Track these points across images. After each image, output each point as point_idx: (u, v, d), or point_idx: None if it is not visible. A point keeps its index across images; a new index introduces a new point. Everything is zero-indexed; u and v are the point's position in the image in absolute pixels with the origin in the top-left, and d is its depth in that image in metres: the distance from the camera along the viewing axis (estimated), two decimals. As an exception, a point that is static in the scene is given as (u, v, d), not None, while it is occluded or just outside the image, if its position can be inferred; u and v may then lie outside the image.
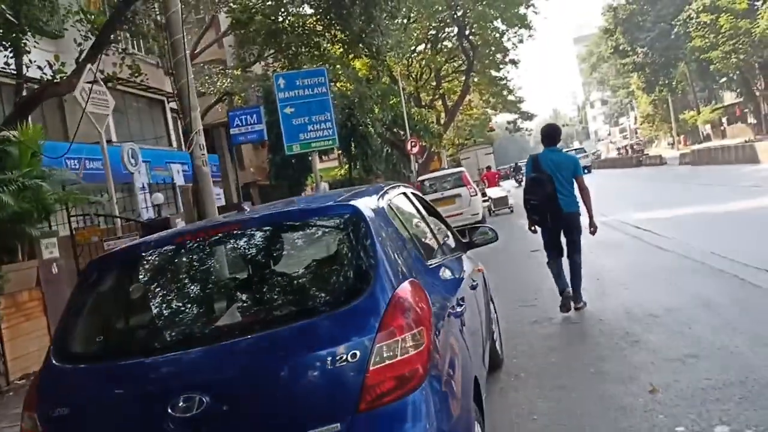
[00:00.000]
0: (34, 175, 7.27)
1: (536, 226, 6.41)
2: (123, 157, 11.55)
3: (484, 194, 27.17)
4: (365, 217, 2.57)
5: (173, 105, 23.89)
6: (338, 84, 27.51)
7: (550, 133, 6.39)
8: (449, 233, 4.50)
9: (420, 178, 16.92)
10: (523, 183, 7.16)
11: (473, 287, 3.93)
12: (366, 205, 2.71)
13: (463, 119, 55.17)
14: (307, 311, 2.42)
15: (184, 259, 2.85)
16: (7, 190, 6.69)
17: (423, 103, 39.16)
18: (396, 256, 2.58)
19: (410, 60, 38.29)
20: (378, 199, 2.93)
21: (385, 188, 3.33)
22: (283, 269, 2.84)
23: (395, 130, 32.13)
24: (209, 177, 6.96)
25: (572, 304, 6.18)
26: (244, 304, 2.70)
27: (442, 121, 39.50)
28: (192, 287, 2.83)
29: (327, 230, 2.76)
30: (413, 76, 38.25)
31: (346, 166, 29.51)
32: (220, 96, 26.48)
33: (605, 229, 12.72)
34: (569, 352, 5.16)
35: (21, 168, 7.26)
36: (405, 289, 2.43)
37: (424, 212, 3.92)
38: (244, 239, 2.82)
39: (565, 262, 6.38)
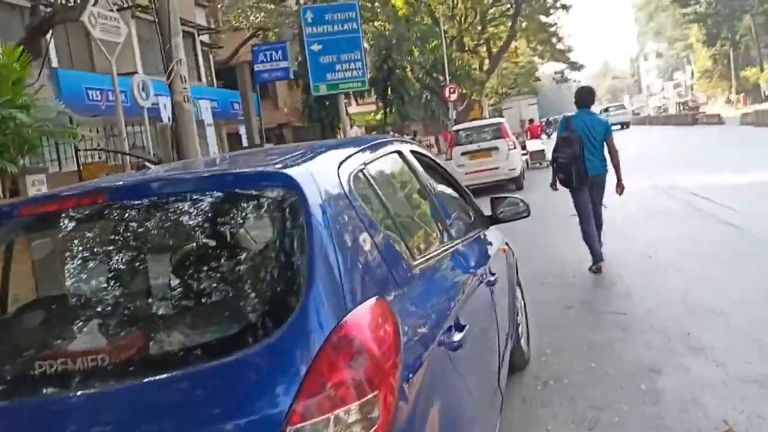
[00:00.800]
0: (14, 105, 6.46)
1: (559, 185, 6.56)
2: (133, 90, 10.68)
3: (524, 147, 25.70)
4: (304, 193, 1.60)
5: (204, 38, 22.90)
6: (375, 23, 26.12)
7: (584, 96, 6.53)
8: (467, 205, 3.48)
9: (455, 128, 15.70)
10: (553, 138, 7.08)
11: (490, 283, 2.87)
12: (312, 173, 1.72)
13: (507, 67, 52.91)
14: (186, 355, 1.43)
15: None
16: (-20, 120, 5.92)
17: (466, 48, 37.26)
18: (355, 257, 1.63)
19: (455, 1, 36.27)
20: (343, 162, 1.92)
21: (367, 145, 2.32)
22: (159, 279, 1.77)
23: (435, 75, 30.60)
24: (191, 115, 6.05)
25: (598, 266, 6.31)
26: (84, 336, 1.63)
27: (485, 68, 37.60)
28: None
29: (242, 213, 1.73)
30: (457, 18, 36.23)
31: (382, 111, 28.29)
32: (254, 31, 25.38)
33: (654, 193, 11.49)
34: (613, 354, 4.14)
35: (1, 95, 6.45)
36: (359, 316, 1.48)
37: (426, 181, 2.78)
38: (107, 220, 1.79)
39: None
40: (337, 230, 1.59)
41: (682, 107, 64.48)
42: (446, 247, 2.53)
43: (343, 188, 1.79)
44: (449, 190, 3.35)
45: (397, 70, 25.52)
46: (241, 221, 1.73)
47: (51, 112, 7.11)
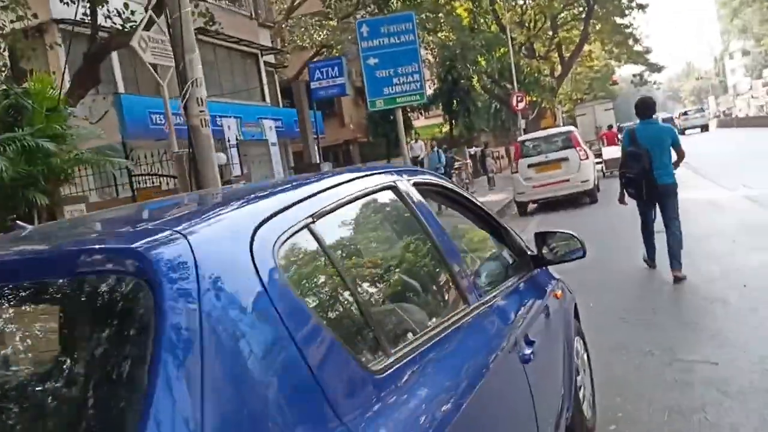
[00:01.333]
0: (45, 134, 6.24)
1: (629, 198, 6.59)
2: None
3: (600, 155, 24.25)
4: (158, 285, 0.99)
5: (269, 58, 22.98)
6: (439, 34, 25.48)
7: (645, 107, 6.45)
8: (504, 245, 2.75)
9: (520, 139, 14.80)
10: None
11: (525, 359, 2.08)
12: (194, 245, 1.10)
13: (582, 72, 51.00)
14: None
15: None
16: (9, 150, 5.70)
17: (536, 55, 36.00)
18: (245, 393, 0.99)
19: (523, 7, 35.16)
20: (268, 221, 1.28)
21: (342, 181, 1.67)
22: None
23: (503, 84, 29.60)
24: (210, 140, 5.59)
25: (672, 273, 6.15)
26: None
27: (556, 74, 36.19)
28: None
29: (83, 308, 1.10)
30: (526, 24, 35.08)
31: (448, 124, 27.56)
32: (318, 49, 25.33)
33: (747, 205, 10.26)
34: (708, 428, 3.25)
35: (33, 124, 6.25)
36: None
37: (432, 224, 1.98)
38: None
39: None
40: (216, 346, 0.95)
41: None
42: (458, 315, 1.82)
43: (254, 267, 1.14)
44: (476, 232, 2.61)
45: (462, 81, 24.74)
46: (87, 317, 1.11)
47: (86, 141, 6.87)
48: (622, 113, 48.26)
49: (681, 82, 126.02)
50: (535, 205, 14.56)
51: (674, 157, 6.32)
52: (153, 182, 11.35)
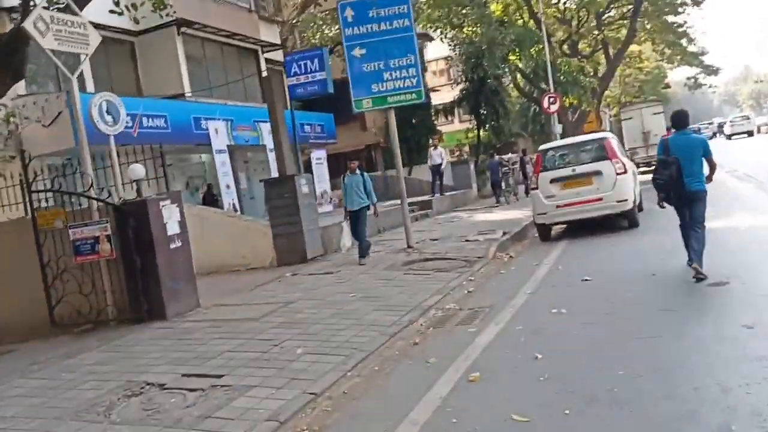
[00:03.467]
0: None
1: (665, 203, 6.93)
2: (91, 112, 8.26)
3: (651, 164, 21.33)
4: None
5: (270, 55, 20.80)
6: (464, 29, 22.92)
7: (679, 119, 6.83)
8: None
9: (541, 147, 12.07)
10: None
11: None
12: None
13: (631, 74, 47.45)
14: None
15: None
16: None
17: (579, 54, 32.92)
18: None
19: (565, 3, 32.14)
20: None
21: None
22: None
23: (539, 84, 26.72)
24: None
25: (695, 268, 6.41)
26: None
27: (599, 75, 33.00)
28: None
29: None
30: (567, 20, 32.05)
31: (475, 129, 24.84)
32: (333, 45, 23.06)
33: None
34: None
35: None
36: None
37: None
38: None
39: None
40: None
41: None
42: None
43: None
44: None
45: (489, 80, 22.06)
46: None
47: None
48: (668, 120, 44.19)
49: (738, 86, 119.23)
50: (563, 226, 11.85)
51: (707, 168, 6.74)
52: (56, 201, 9.04)
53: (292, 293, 8.38)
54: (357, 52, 11.01)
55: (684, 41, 39.55)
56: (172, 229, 7.92)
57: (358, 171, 10.50)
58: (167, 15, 11.80)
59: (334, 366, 5.30)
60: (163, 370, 5.66)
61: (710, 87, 65.84)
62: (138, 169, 8.06)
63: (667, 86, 57.55)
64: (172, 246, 7.89)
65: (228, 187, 16.81)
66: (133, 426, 4.51)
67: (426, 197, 18.93)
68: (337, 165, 27.19)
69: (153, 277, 7.67)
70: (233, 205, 16.69)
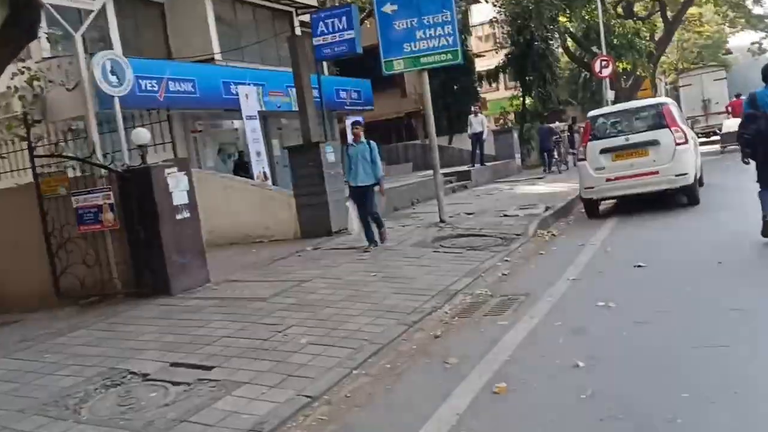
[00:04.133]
0: None
1: (749, 159, 6.75)
2: (93, 73, 7.66)
3: (711, 134, 20.05)
4: None
5: (304, 18, 19.91)
6: (511, -13, 21.51)
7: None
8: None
9: (590, 114, 10.91)
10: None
11: None
12: None
13: (690, 39, 44.72)
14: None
15: None
16: None
17: (635, 16, 30.87)
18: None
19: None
20: None
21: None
22: None
23: (591, 48, 25.11)
24: None
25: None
26: None
27: (656, 39, 30.93)
28: None
29: None
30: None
31: (520, 96, 23.52)
32: (371, 9, 21.97)
33: None
34: None
35: None
36: None
37: None
38: None
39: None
40: None
41: None
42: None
43: None
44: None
45: (536, 43, 20.69)
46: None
47: None
48: (735, 86, 41.88)
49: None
50: (612, 202, 10.82)
51: None
52: (58, 166, 8.50)
53: (309, 270, 7.69)
54: (388, 8, 10.08)
55: (749, 2, 36.94)
56: (179, 198, 7.28)
57: (363, 139, 8.83)
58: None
59: (339, 361, 4.58)
60: (152, 357, 5.07)
61: (776, 53, 62.18)
62: (142, 134, 7.43)
63: (728, 52, 54.30)
64: (179, 217, 7.27)
65: (258, 154, 16.16)
66: (98, 427, 3.91)
67: (465, 167, 17.94)
68: (376, 132, 26.45)
69: (157, 251, 7.08)
70: (264, 173, 16.07)
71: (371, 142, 8.79)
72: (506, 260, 7.59)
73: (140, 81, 13.41)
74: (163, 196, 7.10)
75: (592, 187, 10.05)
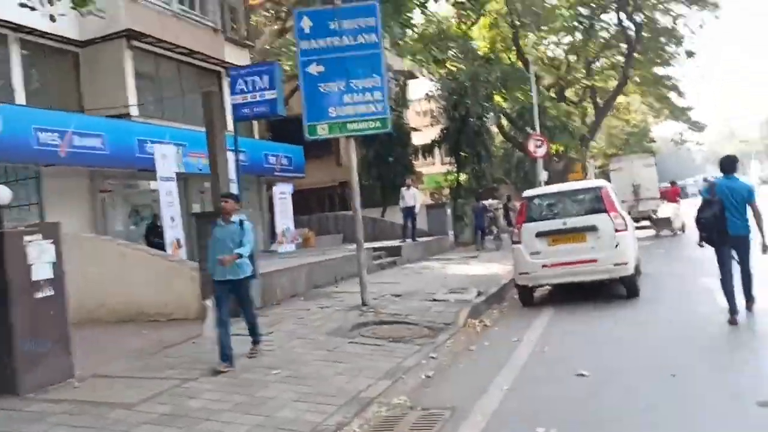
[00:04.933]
0: None
1: (705, 243, 7.16)
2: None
3: (647, 219, 20.25)
4: None
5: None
6: (448, 64, 21.53)
7: (729, 163, 7.19)
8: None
9: (526, 194, 10.29)
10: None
11: None
12: None
13: (617, 126, 46.71)
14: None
15: None
16: None
17: (567, 101, 31.76)
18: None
19: (554, 47, 31.23)
20: None
21: None
22: None
23: (524, 128, 25.33)
24: None
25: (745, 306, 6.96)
26: None
27: (587, 123, 31.82)
28: None
29: None
30: (555, 64, 31.05)
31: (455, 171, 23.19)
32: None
33: None
34: None
35: None
36: None
37: None
38: None
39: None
40: None
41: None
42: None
43: None
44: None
45: (472, 119, 20.54)
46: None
47: None
48: (659, 174, 43.49)
49: (722, 144, 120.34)
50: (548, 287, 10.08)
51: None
52: None
53: (199, 363, 6.42)
54: (313, 68, 9.30)
55: (672, 95, 38.87)
56: (41, 272, 5.97)
57: (236, 217, 6.48)
58: (105, 17, 10.07)
59: None
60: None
61: (697, 144, 65.83)
62: (3, 192, 6.15)
63: (653, 140, 57.08)
64: (39, 295, 5.94)
65: (173, 219, 14.81)
66: None
67: (396, 242, 17.08)
68: (307, 201, 25.45)
69: (4, 337, 5.70)
70: (177, 240, 14.69)
71: (244, 221, 6.50)
72: (432, 357, 6.57)
73: (39, 133, 12.08)
74: (18, 269, 5.78)
75: (528, 273, 9.27)
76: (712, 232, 6.97)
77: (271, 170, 19.46)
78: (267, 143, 20.16)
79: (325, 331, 7.70)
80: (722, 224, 6.86)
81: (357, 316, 8.41)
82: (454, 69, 21.41)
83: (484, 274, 12.75)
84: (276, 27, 24.13)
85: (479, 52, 22.30)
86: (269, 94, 10.91)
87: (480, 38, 25.08)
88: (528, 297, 9.54)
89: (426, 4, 19.60)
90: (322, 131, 9.29)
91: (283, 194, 18.70)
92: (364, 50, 9.24)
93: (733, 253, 6.98)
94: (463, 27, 24.34)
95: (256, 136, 20.86)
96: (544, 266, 9.08)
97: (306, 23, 9.30)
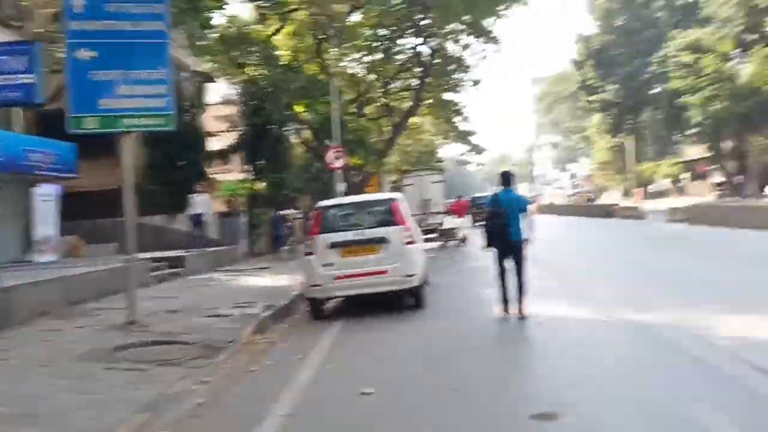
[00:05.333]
0: None
1: (489, 247, 8.11)
2: None
3: (435, 231, 21.28)
4: None
5: None
6: (247, 69, 20.76)
7: (507, 178, 8.22)
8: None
9: (320, 204, 9.99)
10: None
11: None
12: None
13: (411, 144, 49.27)
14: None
15: None
16: None
17: (367, 117, 32.57)
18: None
19: (359, 60, 31.88)
20: None
21: None
22: None
23: (324, 139, 25.32)
24: None
25: (517, 309, 7.79)
26: None
27: (383, 138, 32.92)
28: None
29: None
30: (356, 80, 31.73)
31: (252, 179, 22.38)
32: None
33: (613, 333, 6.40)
34: None
35: None
36: None
37: None
38: None
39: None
40: None
41: (578, 197, 63.49)
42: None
43: None
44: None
45: (272, 126, 19.97)
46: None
47: None
48: (447, 189, 46.72)
49: (496, 166, 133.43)
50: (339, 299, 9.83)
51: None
52: None
53: None
54: (84, 53, 8.06)
55: (458, 119, 42.01)
56: None
57: None
58: None
59: None
60: None
61: (478, 165, 72.14)
62: None
63: (440, 160, 61.30)
64: None
65: None
66: None
67: (182, 252, 15.83)
68: (83, 205, 22.73)
69: None
70: None
71: None
72: (205, 381, 5.84)
73: None
74: None
75: (319, 285, 8.93)
76: (497, 237, 7.84)
77: (33, 168, 16.90)
78: (28, 137, 17.48)
79: (76, 355, 6.57)
80: (505, 231, 7.75)
81: (121, 337, 7.35)
82: (255, 74, 20.63)
83: (275, 286, 12.21)
84: (53, 10, 21.34)
85: (282, 61, 21.75)
86: (26, 78, 9.31)
87: (284, 46, 24.61)
88: (319, 310, 9.20)
89: (223, 6, 18.66)
90: (90, 125, 8.08)
91: (46, 197, 16.31)
92: (148, 38, 8.25)
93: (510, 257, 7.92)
94: (267, 32, 23.76)
95: (17, 130, 18.06)
96: (336, 278, 8.81)
97: (78, 1, 8.05)
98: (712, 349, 5.66)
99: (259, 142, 20.87)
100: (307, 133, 27.22)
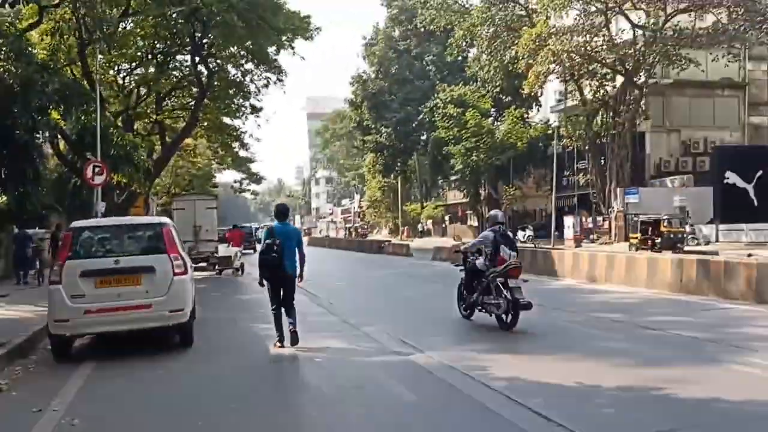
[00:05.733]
0: None
1: (265, 281, 8.12)
2: None
3: (207, 260, 20.37)
4: None
5: None
6: (-6, 61, 17.77)
7: (283, 211, 8.56)
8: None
9: (75, 224, 8.59)
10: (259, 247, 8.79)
11: None
12: None
13: (184, 166, 46.81)
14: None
15: None
16: None
17: (135, 132, 30.08)
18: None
19: (124, 75, 29.59)
20: None
21: None
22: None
23: (85, 153, 22.67)
24: None
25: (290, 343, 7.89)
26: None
27: (154, 157, 30.67)
28: None
29: None
30: (125, 92, 29.33)
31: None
32: None
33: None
34: None
35: None
36: None
37: None
38: None
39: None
40: None
41: (350, 232, 66.06)
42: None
43: None
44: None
45: (18, 132, 17.20)
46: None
47: None
48: (220, 218, 45.14)
49: (273, 197, 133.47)
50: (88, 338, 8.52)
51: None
52: None
53: None
54: None
55: (237, 145, 41.01)
56: None
57: None
58: None
59: None
60: None
61: (253, 194, 71.11)
62: None
63: (215, 186, 59.41)
64: None
65: None
66: None
67: None
68: None
69: None
70: None
71: None
72: None
73: None
74: None
75: (66, 321, 7.61)
76: (271, 270, 7.91)
77: None
78: None
79: None
80: (282, 265, 7.84)
81: None
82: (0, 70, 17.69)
83: (12, 318, 10.32)
84: None
85: (37, 59, 19.01)
86: None
87: (39, 43, 21.64)
88: (64, 349, 7.86)
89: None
90: None
91: None
92: None
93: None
94: (20, 25, 20.71)
95: None
96: (87, 312, 7.58)
97: None
98: (490, 393, 5.78)
99: (1, 148, 17.85)
100: (63, 144, 24.24)
